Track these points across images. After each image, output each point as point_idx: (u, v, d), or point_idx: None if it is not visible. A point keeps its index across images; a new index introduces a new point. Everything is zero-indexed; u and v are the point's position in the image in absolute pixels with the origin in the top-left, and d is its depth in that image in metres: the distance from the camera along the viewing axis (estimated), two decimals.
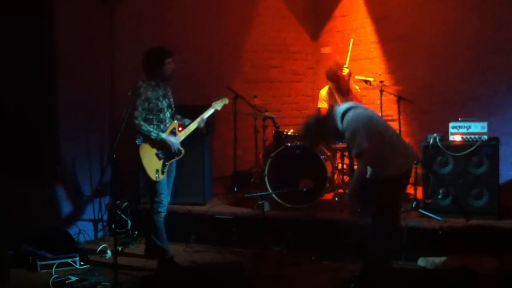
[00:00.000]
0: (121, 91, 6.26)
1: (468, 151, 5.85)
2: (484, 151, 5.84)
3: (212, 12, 7.96)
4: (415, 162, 5.77)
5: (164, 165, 5.59)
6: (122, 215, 6.65)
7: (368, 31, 8.19)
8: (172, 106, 5.71)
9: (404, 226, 5.63)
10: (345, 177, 6.96)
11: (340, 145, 6.51)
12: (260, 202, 6.10)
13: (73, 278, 5.36)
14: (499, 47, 6.92)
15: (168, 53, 5.56)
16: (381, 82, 7.05)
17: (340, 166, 6.99)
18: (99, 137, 6.86)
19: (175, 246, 6.07)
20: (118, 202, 6.61)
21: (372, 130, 4.76)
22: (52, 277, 5.42)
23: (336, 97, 6.90)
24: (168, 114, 5.66)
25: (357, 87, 6.98)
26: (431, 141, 6.00)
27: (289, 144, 6.54)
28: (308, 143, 6.00)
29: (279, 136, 6.86)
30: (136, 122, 5.44)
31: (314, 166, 6.39)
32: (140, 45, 6.03)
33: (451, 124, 6.04)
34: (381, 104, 6.93)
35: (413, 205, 6.12)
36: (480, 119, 5.97)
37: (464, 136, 5.97)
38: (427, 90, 7.52)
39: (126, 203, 6.68)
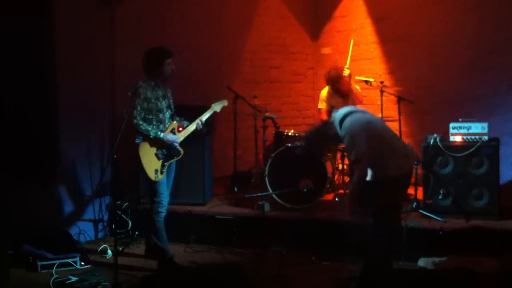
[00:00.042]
0: (121, 91, 6.26)
1: (468, 151, 5.85)
2: (485, 151, 5.84)
3: (212, 12, 7.96)
4: (416, 162, 5.77)
5: (163, 165, 5.59)
6: (123, 215, 6.65)
7: (368, 32, 8.19)
8: (172, 106, 5.71)
9: (404, 227, 5.63)
10: (345, 177, 6.96)
11: (342, 145, 6.51)
12: (260, 203, 6.11)
13: (74, 278, 5.36)
14: (499, 47, 6.93)
15: (168, 53, 5.56)
16: (381, 82, 7.05)
17: (340, 166, 6.99)
18: (99, 137, 6.86)
19: (175, 247, 6.07)
20: (118, 202, 6.60)
21: (371, 133, 4.77)
22: (53, 277, 5.42)
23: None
24: (167, 115, 5.66)
25: (357, 87, 6.98)
26: (432, 141, 6.00)
27: (289, 145, 6.54)
28: (314, 152, 6.11)
29: (279, 137, 6.86)
30: (135, 121, 5.44)
31: (314, 167, 6.40)
32: (140, 45, 6.03)
33: (451, 125, 6.04)
34: (382, 104, 6.93)
35: (414, 205, 6.12)
36: (480, 120, 5.97)
37: (465, 137, 5.97)
38: (427, 90, 7.52)
39: (126, 203, 6.68)
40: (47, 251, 5.77)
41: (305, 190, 5.77)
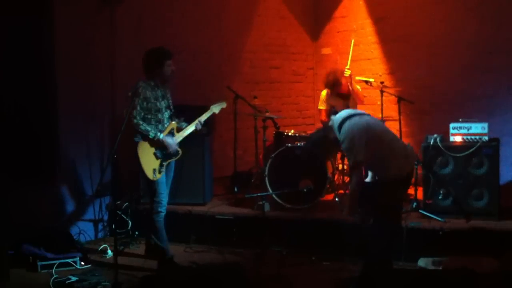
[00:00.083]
0: (121, 91, 6.27)
1: (468, 151, 5.85)
2: (485, 152, 5.84)
3: (212, 12, 7.96)
4: (416, 162, 5.77)
5: (161, 165, 5.59)
6: (123, 215, 6.64)
7: (368, 32, 8.19)
8: (171, 107, 5.73)
9: (404, 227, 5.63)
10: (345, 177, 6.96)
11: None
12: (260, 203, 6.10)
13: (73, 278, 5.35)
14: (499, 47, 6.93)
15: (169, 54, 5.58)
16: (382, 82, 7.06)
17: (340, 166, 6.99)
18: (99, 137, 6.86)
19: (175, 247, 6.07)
20: (118, 202, 6.60)
21: (371, 135, 4.76)
22: (52, 277, 5.42)
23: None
24: (166, 115, 5.67)
25: (358, 87, 6.98)
26: (432, 141, 6.00)
27: (289, 145, 6.54)
28: (318, 157, 6.16)
29: (280, 137, 6.86)
30: (135, 121, 5.45)
31: (314, 167, 6.39)
32: (140, 45, 6.03)
33: (451, 125, 6.04)
34: (382, 104, 6.93)
35: (414, 205, 6.11)
36: (480, 120, 5.97)
37: (465, 137, 5.97)
38: (427, 91, 7.52)
39: (126, 203, 6.68)
40: (47, 251, 5.77)
41: (305, 190, 5.77)
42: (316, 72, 9.02)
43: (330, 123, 4.98)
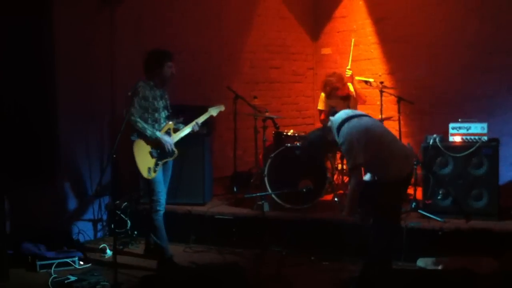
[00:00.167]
0: (121, 91, 6.27)
1: (468, 152, 5.85)
2: (484, 152, 5.84)
3: (212, 12, 7.96)
4: (415, 162, 5.77)
5: (156, 164, 5.60)
6: (122, 215, 6.64)
7: (368, 32, 8.19)
8: (168, 108, 5.75)
9: (404, 227, 5.63)
10: (345, 177, 6.96)
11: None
12: (260, 203, 6.11)
13: (73, 278, 5.35)
14: (499, 47, 6.93)
15: (169, 56, 5.60)
16: (381, 83, 7.05)
17: (340, 166, 6.99)
18: (99, 137, 6.86)
19: (175, 247, 6.07)
20: (117, 202, 6.60)
21: (369, 137, 4.75)
22: (51, 277, 5.42)
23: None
24: (163, 115, 5.69)
25: (359, 87, 6.98)
26: (431, 141, 6.00)
27: (289, 145, 6.54)
28: (315, 157, 6.14)
29: (279, 137, 6.86)
30: (132, 118, 5.47)
31: (314, 167, 6.39)
32: (140, 45, 6.04)
33: (451, 125, 6.04)
34: (381, 105, 6.92)
35: (413, 205, 6.11)
36: (480, 120, 5.97)
37: (464, 137, 5.96)
38: (427, 91, 7.52)
39: (125, 203, 6.67)
40: (46, 251, 5.77)
41: (304, 190, 5.76)
42: (316, 72, 9.02)
43: (329, 124, 4.98)
